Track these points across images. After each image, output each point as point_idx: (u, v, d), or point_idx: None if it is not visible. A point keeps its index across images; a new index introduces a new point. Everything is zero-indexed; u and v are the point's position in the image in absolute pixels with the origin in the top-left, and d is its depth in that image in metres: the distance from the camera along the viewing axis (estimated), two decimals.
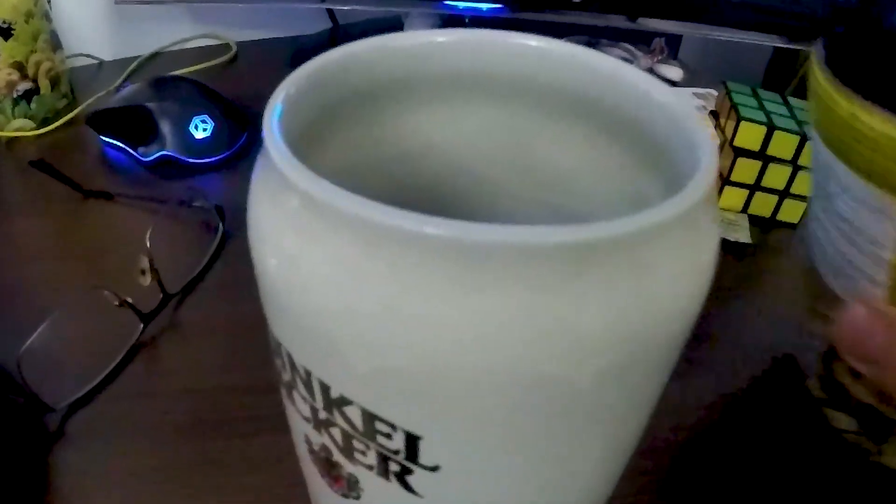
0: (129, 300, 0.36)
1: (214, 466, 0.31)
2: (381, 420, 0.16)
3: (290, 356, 0.18)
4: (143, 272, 0.37)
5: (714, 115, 0.52)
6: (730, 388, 0.36)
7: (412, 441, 0.17)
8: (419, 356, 0.15)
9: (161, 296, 0.38)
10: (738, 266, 0.44)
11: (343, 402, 0.17)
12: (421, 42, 0.22)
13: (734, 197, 0.47)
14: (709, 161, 0.17)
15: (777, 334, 0.39)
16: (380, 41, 0.21)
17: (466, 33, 0.22)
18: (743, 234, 0.45)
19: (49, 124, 0.56)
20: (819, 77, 0.21)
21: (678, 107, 0.20)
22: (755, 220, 0.48)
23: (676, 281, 0.17)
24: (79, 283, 0.41)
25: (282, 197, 0.16)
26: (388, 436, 0.17)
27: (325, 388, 0.17)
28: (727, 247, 0.45)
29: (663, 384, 0.20)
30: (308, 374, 0.17)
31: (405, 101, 0.23)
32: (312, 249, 0.15)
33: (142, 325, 0.37)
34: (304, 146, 0.20)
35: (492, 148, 0.26)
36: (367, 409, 0.16)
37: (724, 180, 0.47)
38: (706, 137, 0.19)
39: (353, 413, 0.17)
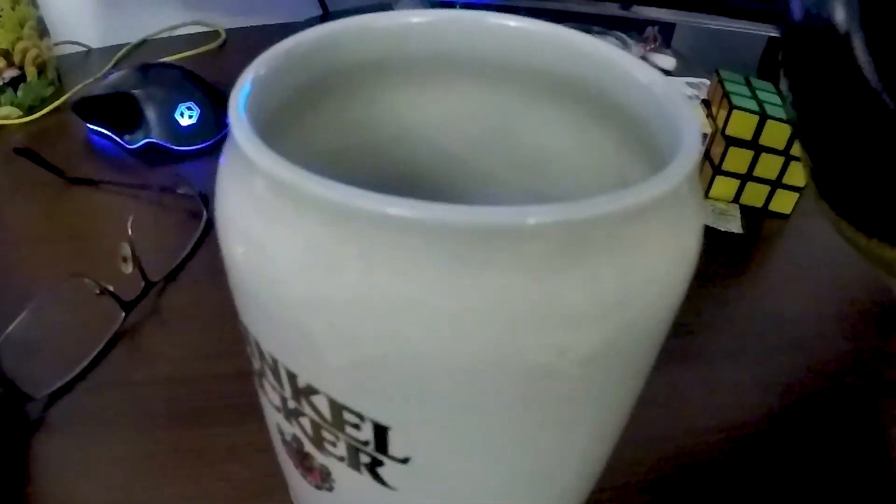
0: (111, 288, 0.36)
1: (196, 456, 0.31)
2: (349, 410, 0.16)
3: (258, 344, 0.18)
4: (124, 260, 0.37)
5: (706, 103, 0.51)
6: (718, 380, 0.35)
7: (381, 432, 0.16)
8: (392, 345, 0.14)
9: (143, 283, 0.37)
10: (728, 257, 0.43)
11: (310, 391, 0.16)
12: (399, 22, 0.21)
13: (726, 186, 0.47)
14: (691, 140, 0.17)
15: (767, 327, 0.39)
16: (357, 21, 0.20)
17: (444, 13, 0.21)
18: (734, 225, 0.45)
19: (36, 112, 0.56)
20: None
21: (660, 87, 0.20)
22: (747, 211, 0.47)
23: (661, 261, 0.16)
24: (61, 271, 0.40)
25: (247, 180, 0.16)
26: (357, 426, 0.16)
27: (293, 377, 0.17)
28: (718, 237, 0.45)
29: (648, 370, 0.19)
30: (275, 362, 0.17)
31: (385, 84, 0.23)
32: (279, 236, 0.15)
33: (123, 314, 0.36)
34: (276, 129, 0.20)
35: (476, 132, 0.25)
36: (335, 399, 0.16)
37: (716, 169, 0.46)
38: (689, 117, 0.18)
39: (321, 403, 0.17)
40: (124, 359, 0.35)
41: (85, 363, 0.35)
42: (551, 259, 0.14)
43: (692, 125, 0.18)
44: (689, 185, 0.17)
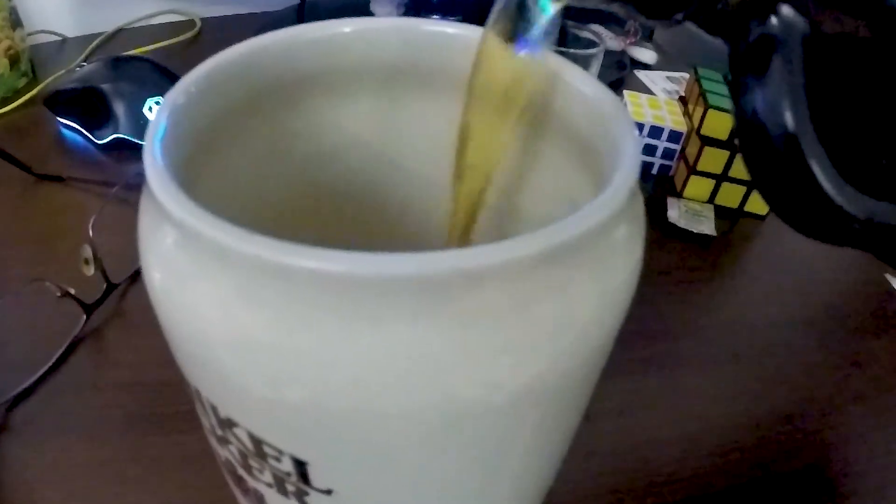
0: (72, 291, 0.35)
1: (153, 462, 0.31)
2: (268, 444, 0.16)
3: (184, 374, 0.17)
4: (86, 262, 0.36)
5: (683, 101, 0.50)
6: (684, 389, 0.35)
7: (300, 465, 0.16)
8: (304, 390, 0.14)
9: (105, 285, 0.37)
10: (701, 259, 0.43)
11: (231, 423, 0.16)
12: (332, 32, 0.21)
13: (701, 187, 0.47)
14: (626, 171, 0.16)
15: (737, 334, 0.38)
16: (287, 34, 0.20)
17: (379, 22, 0.21)
18: (708, 227, 0.45)
19: (8, 104, 0.55)
20: None
21: (606, 104, 0.19)
22: (722, 211, 0.47)
23: (590, 298, 0.16)
24: (26, 271, 0.40)
25: (162, 223, 0.15)
26: (277, 459, 0.16)
27: (214, 409, 0.16)
28: (691, 239, 0.44)
29: (584, 403, 0.19)
30: (198, 392, 0.17)
31: (324, 95, 0.22)
32: (194, 278, 0.15)
33: (85, 316, 0.36)
34: (206, 148, 0.19)
35: (424, 144, 0.25)
36: (253, 432, 0.16)
37: (691, 169, 0.46)
38: (630, 141, 0.18)
39: (242, 434, 0.16)
40: (85, 363, 0.35)
41: (45, 367, 0.34)
42: (459, 307, 0.14)
43: (632, 149, 0.17)
44: (622, 215, 0.16)
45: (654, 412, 0.34)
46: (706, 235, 0.44)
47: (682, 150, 0.48)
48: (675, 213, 0.45)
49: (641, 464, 0.32)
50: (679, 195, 0.47)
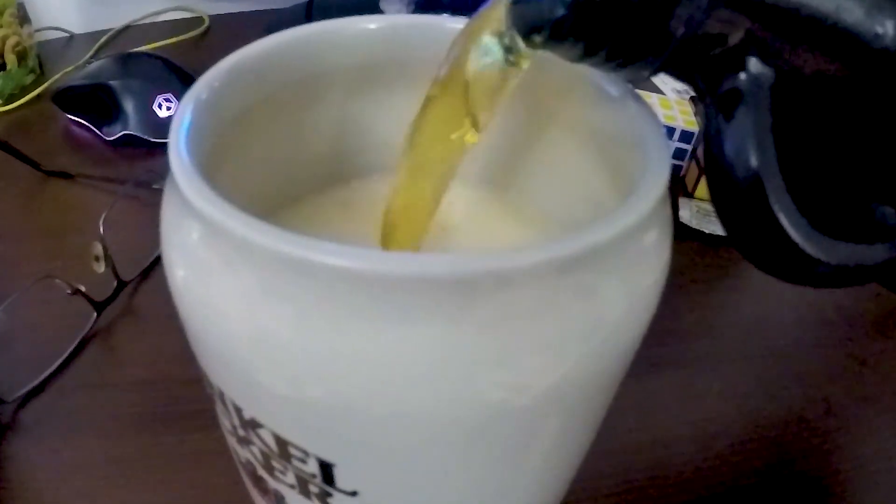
0: (82, 288, 0.35)
1: (164, 460, 0.31)
2: (293, 445, 0.16)
3: (205, 374, 0.17)
4: (96, 259, 0.36)
5: (694, 101, 0.50)
6: (694, 389, 0.35)
7: (326, 467, 0.16)
8: (327, 388, 0.14)
9: (115, 283, 0.37)
10: (712, 259, 0.43)
11: (255, 424, 0.16)
12: (356, 29, 0.20)
13: None
14: (656, 174, 0.16)
15: (748, 333, 0.38)
16: (310, 30, 0.20)
17: (401, 19, 0.21)
18: (718, 226, 0.44)
19: (16, 100, 0.55)
20: None
21: (631, 103, 0.19)
22: None
23: (621, 301, 0.16)
24: (35, 268, 0.40)
25: (186, 217, 0.15)
26: (303, 460, 0.16)
27: (238, 410, 0.16)
28: (703, 239, 0.44)
29: (606, 404, 0.19)
30: (222, 393, 0.17)
31: (345, 92, 0.22)
32: (219, 274, 0.14)
33: (95, 314, 0.36)
34: (227, 144, 0.19)
35: None
36: (279, 434, 0.16)
37: (703, 170, 0.46)
38: (659, 143, 0.17)
39: (266, 436, 0.16)
40: (96, 361, 0.35)
41: (56, 365, 0.34)
42: (488, 308, 0.14)
43: (661, 152, 0.17)
44: (652, 218, 0.16)
45: (667, 411, 0.34)
46: (718, 236, 0.44)
47: (694, 150, 0.48)
48: (687, 213, 0.45)
49: (653, 462, 0.31)
50: (690, 195, 0.47)
